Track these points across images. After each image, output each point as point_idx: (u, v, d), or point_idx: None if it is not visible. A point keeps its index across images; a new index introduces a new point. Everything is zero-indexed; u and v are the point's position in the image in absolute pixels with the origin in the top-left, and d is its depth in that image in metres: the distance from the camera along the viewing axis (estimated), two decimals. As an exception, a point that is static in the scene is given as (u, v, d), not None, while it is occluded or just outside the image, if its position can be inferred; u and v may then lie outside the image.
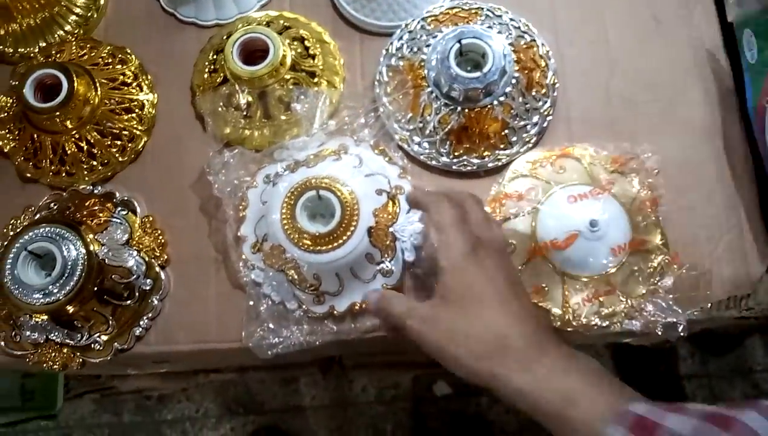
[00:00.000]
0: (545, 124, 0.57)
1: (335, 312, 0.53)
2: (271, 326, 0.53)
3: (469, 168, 0.57)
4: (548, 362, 0.39)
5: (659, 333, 0.49)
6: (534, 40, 0.58)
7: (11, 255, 0.51)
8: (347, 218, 0.49)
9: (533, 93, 0.56)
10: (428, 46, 0.55)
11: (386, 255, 0.51)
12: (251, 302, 0.54)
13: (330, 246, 0.49)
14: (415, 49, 0.56)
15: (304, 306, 0.53)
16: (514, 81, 0.54)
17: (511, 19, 0.58)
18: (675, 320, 0.48)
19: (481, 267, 0.42)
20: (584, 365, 0.40)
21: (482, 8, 0.58)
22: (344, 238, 0.49)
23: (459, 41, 0.51)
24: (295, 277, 0.52)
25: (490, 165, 0.57)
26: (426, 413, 1.26)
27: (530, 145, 0.57)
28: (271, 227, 0.50)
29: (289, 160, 0.55)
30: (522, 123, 0.56)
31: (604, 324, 0.51)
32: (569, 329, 0.51)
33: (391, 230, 0.51)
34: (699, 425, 0.33)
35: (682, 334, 0.48)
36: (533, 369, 0.39)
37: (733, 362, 1.24)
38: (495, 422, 1.24)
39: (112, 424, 1.28)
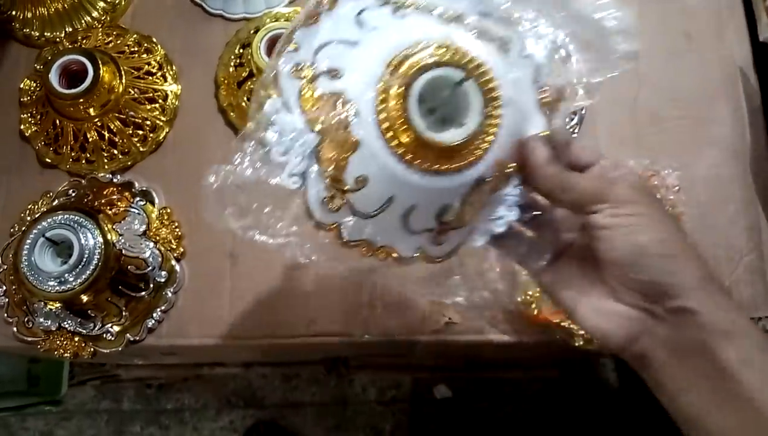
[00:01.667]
0: (571, 138, 0.57)
1: (340, 236, 0.35)
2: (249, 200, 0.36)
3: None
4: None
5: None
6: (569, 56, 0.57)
7: (28, 241, 0.51)
8: (475, 143, 0.33)
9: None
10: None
11: (458, 222, 0.36)
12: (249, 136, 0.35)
13: (428, 165, 0.33)
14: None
15: (306, 200, 0.35)
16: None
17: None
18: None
19: None
20: None
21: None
22: (451, 166, 0.33)
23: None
24: (331, 158, 0.33)
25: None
26: (425, 415, 1.25)
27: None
28: (351, 82, 0.33)
29: None
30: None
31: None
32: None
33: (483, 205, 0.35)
34: None
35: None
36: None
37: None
38: (494, 428, 1.24)
39: (111, 411, 1.28)
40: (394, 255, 0.36)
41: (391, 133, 0.32)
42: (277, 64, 0.35)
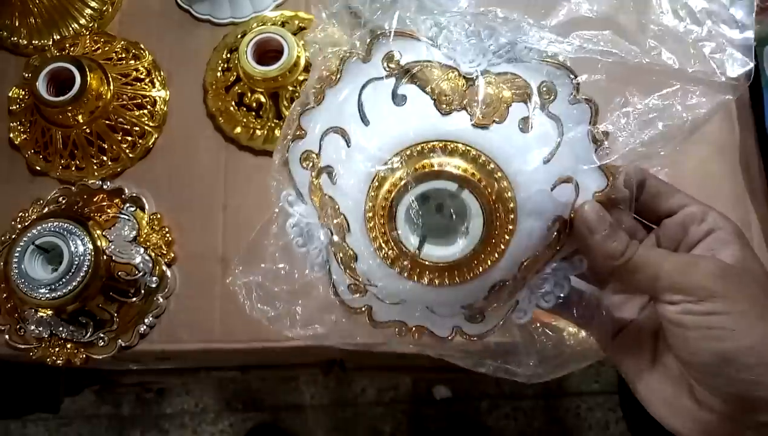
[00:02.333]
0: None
1: (372, 318, 0.35)
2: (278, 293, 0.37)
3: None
4: None
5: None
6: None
7: (18, 249, 0.51)
8: (478, 255, 0.30)
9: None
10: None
11: (491, 309, 0.33)
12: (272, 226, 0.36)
13: (426, 278, 0.30)
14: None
15: (334, 286, 0.35)
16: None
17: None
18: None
19: None
20: None
21: (507, 18, 0.58)
22: (454, 280, 0.30)
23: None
24: (339, 254, 0.33)
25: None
26: (425, 416, 1.25)
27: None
28: (341, 195, 0.32)
29: (441, 49, 0.32)
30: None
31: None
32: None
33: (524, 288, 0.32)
34: None
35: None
36: None
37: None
38: (493, 427, 1.24)
39: (111, 416, 1.29)
40: (430, 336, 0.35)
41: (384, 252, 0.30)
42: (286, 152, 0.34)
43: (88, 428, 1.28)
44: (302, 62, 0.56)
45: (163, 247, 0.57)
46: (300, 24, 0.60)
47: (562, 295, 0.33)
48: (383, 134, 0.30)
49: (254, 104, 0.57)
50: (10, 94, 0.62)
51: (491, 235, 0.29)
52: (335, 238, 0.32)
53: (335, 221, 0.32)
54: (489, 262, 0.29)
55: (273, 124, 0.58)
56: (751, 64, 0.30)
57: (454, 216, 0.30)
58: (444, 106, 0.30)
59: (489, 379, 1.20)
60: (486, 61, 0.31)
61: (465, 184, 0.29)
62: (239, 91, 0.58)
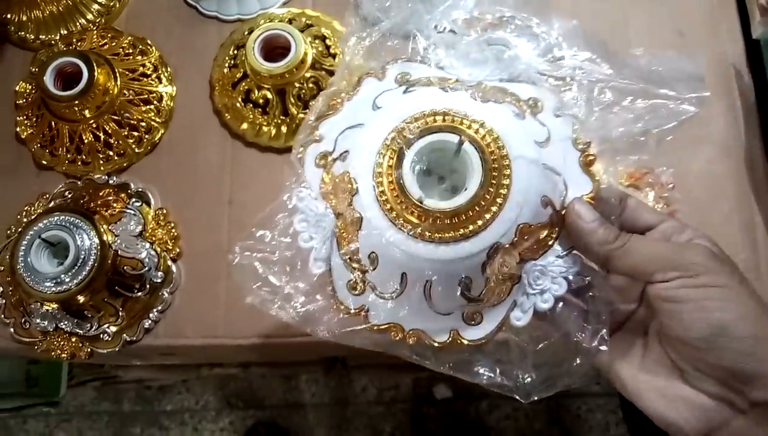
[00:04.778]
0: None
1: (367, 320, 0.36)
2: (276, 269, 0.38)
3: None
4: None
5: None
6: (563, 56, 0.57)
7: (24, 242, 0.51)
8: (479, 207, 0.31)
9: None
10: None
11: (489, 296, 0.34)
12: (276, 218, 0.38)
13: (431, 234, 0.32)
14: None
15: (332, 284, 0.37)
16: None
17: (543, 32, 0.58)
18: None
19: None
20: None
21: (514, 17, 0.58)
22: (456, 233, 0.32)
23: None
24: (347, 232, 0.35)
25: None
26: (425, 416, 1.25)
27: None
28: (355, 152, 0.35)
29: (446, 71, 0.38)
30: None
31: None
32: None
33: (530, 266, 0.33)
34: None
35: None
36: None
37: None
38: (494, 428, 1.24)
39: (111, 412, 1.29)
40: (427, 341, 0.35)
41: (389, 206, 0.32)
42: (303, 158, 0.38)
43: (88, 424, 1.28)
44: (309, 59, 0.56)
45: (169, 242, 0.57)
46: (307, 21, 0.60)
47: (559, 293, 0.33)
48: (393, 113, 0.34)
49: (261, 101, 0.57)
50: (17, 89, 0.62)
51: (489, 185, 0.32)
52: (342, 208, 0.35)
53: (345, 195, 0.34)
54: (487, 215, 0.32)
55: (279, 121, 0.58)
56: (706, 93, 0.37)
57: (464, 170, 0.33)
58: (448, 85, 0.35)
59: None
60: (483, 76, 0.37)
61: (465, 136, 0.32)
62: (246, 87, 0.58)
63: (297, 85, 0.56)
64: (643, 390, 0.31)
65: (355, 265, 0.35)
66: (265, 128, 0.58)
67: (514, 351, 0.35)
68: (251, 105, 0.58)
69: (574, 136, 0.35)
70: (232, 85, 0.59)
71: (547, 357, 0.35)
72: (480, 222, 0.32)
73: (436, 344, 0.35)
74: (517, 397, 0.35)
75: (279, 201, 0.38)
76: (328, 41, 0.59)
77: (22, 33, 0.64)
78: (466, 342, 0.35)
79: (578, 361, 0.33)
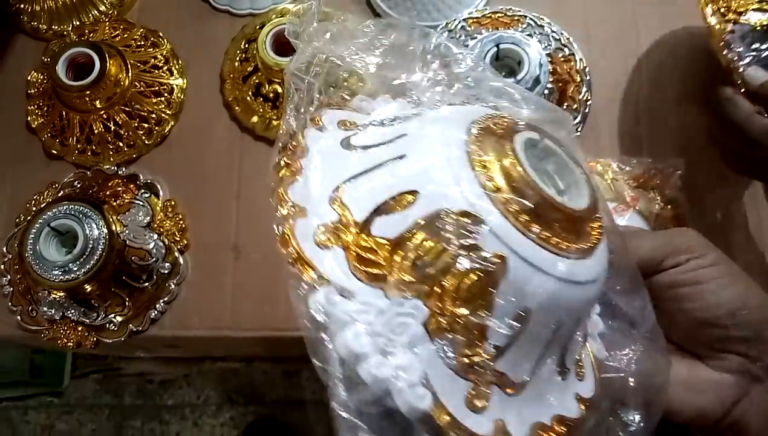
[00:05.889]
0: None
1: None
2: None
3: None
4: None
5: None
6: (573, 54, 0.57)
7: (34, 230, 0.52)
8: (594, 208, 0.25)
9: (564, 106, 0.56)
10: (466, 46, 0.55)
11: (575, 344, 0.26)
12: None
13: (565, 246, 0.23)
14: (452, 49, 0.56)
15: (447, 407, 0.23)
16: (546, 92, 0.53)
17: (553, 31, 0.58)
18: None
19: None
20: None
21: (525, 16, 0.58)
22: (584, 245, 0.24)
23: (497, 45, 0.51)
24: (449, 322, 0.23)
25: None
26: (425, 416, 1.25)
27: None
28: (427, 174, 0.24)
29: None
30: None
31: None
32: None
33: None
34: None
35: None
36: None
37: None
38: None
39: (112, 405, 1.29)
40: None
41: (524, 217, 0.22)
42: (290, 232, 0.25)
43: (89, 417, 1.28)
44: (320, 54, 0.57)
45: (177, 234, 0.57)
46: (319, 17, 0.60)
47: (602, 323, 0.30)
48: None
49: (271, 95, 0.57)
50: (29, 78, 0.62)
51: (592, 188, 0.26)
52: (451, 273, 0.23)
53: (454, 245, 0.23)
54: (600, 222, 0.26)
55: (289, 115, 0.58)
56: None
57: (563, 168, 0.27)
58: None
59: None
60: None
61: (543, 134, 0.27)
62: (257, 81, 0.58)
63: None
64: (673, 388, 0.30)
65: (476, 357, 0.23)
66: (274, 122, 0.58)
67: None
68: (261, 99, 0.58)
69: None
70: (242, 79, 0.59)
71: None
72: (597, 234, 0.25)
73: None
74: None
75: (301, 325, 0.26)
76: (339, 37, 0.59)
77: (35, 23, 0.65)
78: (585, 401, 0.27)
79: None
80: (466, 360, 0.23)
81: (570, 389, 0.27)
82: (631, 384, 0.29)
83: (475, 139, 0.24)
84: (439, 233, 0.22)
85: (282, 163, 0.28)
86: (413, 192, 0.23)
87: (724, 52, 0.48)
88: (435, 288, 0.23)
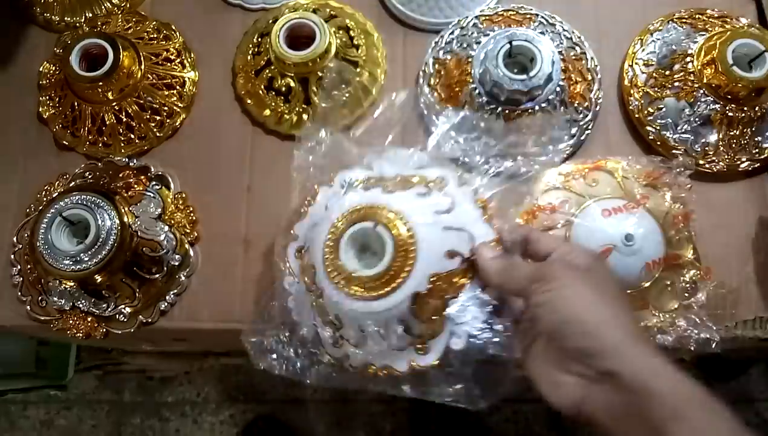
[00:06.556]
0: (583, 138, 0.57)
1: (349, 365, 0.46)
2: (280, 339, 0.49)
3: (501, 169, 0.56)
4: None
5: (692, 349, 0.48)
6: (584, 53, 0.58)
7: (46, 220, 0.52)
8: (395, 269, 0.41)
9: (575, 104, 0.56)
10: (478, 43, 0.55)
11: (428, 331, 0.43)
12: (272, 302, 0.50)
13: (363, 293, 0.42)
14: (465, 45, 0.57)
15: (321, 339, 0.47)
16: (558, 89, 0.54)
17: (564, 29, 0.58)
18: (708, 335, 0.48)
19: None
20: None
21: (537, 14, 0.59)
22: (382, 291, 0.41)
23: (510, 42, 0.51)
24: (319, 303, 0.45)
25: (523, 169, 0.56)
26: (426, 416, 1.25)
27: (565, 156, 0.57)
28: (313, 244, 0.45)
29: (374, 171, 0.48)
30: (560, 133, 0.56)
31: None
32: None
33: (447, 311, 0.43)
34: None
35: (716, 350, 0.48)
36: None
37: (737, 389, 1.24)
38: (494, 429, 1.24)
39: (112, 402, 1.28)
40: (393, 373, 0.45)
41: (336, 279, 0.42)
42: (286, 253, 0.49)
43: (89, 413, 1.28)
44: (333, 49, 0.57)
45: (187, 226, 0.57)
46: (331, 12, 0.61)
47: (484, 318, 0.42)
48: (334, 212, 0.45)
49: (283, 89, 0.58)
50: (41, 69, 0.62)
51: (400, 254, 0.41)
52: (311, 286, 0.45)
53: (308, 274, 0.45)
54: (403, 274, 0.41)
55: (301, 109, 0.58)
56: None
57: (377, 252, 0.43)
58: (370, 184, 0.46)
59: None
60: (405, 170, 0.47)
61: (378, 222, 0.42)
62: (269, 75, 0.58)
63: (319, 73, 0.57)
64: (543, 382, 0.38)
65: (332, 327, 0.45)
66: (286, 116, 0.58)
67: (459, 371, 0.45)
68: (273, 93, 0.58)
69: (476, 199, 0.46)
70: (255, 73, 0.59)
71: (485, 372, 0.45)
72: (398, 280, 0.41)
73: (398, 373, 0.44)
74: (469, 407, 0.44)
75: (277, 285, 0.49)
76: (351, 32, 0.60)
77: (48, 15, 0.65)
78: (420, 367, 0.44)
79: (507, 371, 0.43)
80: (329, 324, 0.46)
81: (403, 357, 0.45)
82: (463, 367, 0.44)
83: (329, 237, 0.44)
84: (310, 272, 0.46)
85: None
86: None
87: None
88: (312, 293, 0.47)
